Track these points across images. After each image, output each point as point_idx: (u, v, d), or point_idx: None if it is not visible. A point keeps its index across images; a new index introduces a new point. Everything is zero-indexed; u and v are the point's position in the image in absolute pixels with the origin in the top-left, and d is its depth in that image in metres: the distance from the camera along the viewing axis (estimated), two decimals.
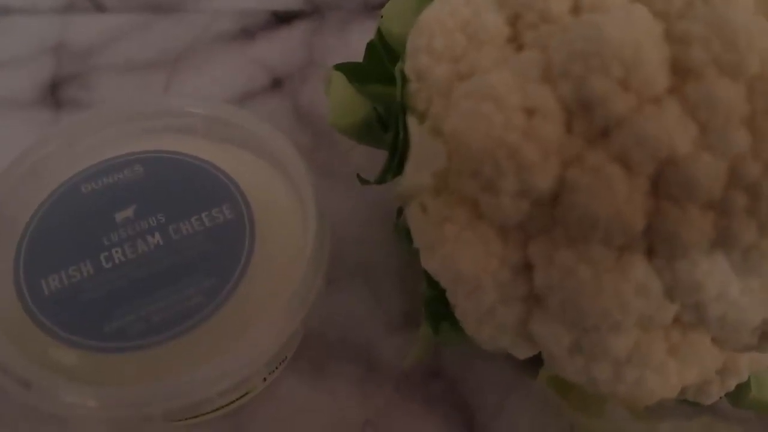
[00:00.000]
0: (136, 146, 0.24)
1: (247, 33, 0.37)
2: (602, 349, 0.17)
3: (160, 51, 0.36)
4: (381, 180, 0.21)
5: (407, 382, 0.26)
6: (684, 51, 0.14)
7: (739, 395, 0.23)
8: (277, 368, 0.24)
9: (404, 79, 0.20)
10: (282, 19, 0.38)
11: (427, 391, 0.25)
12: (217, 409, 0.23)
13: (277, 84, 0.35)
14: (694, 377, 0.18)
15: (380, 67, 0.22)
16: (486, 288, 0.18)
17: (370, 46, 0.23)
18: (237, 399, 0.23)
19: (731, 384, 0.20)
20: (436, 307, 0.23)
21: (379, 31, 0.22)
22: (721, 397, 0.23)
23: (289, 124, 0.33)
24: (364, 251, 0.29)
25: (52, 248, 0.21)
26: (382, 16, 0.22)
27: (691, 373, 0.17)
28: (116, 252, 0.21)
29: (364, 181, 0.23)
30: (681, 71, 0.15)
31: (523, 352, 0.21)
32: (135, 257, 0.21)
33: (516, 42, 0.18)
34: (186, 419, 0.22)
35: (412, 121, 0.18)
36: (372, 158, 0.27)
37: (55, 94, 0.33)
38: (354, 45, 0.35)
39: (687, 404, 0.22)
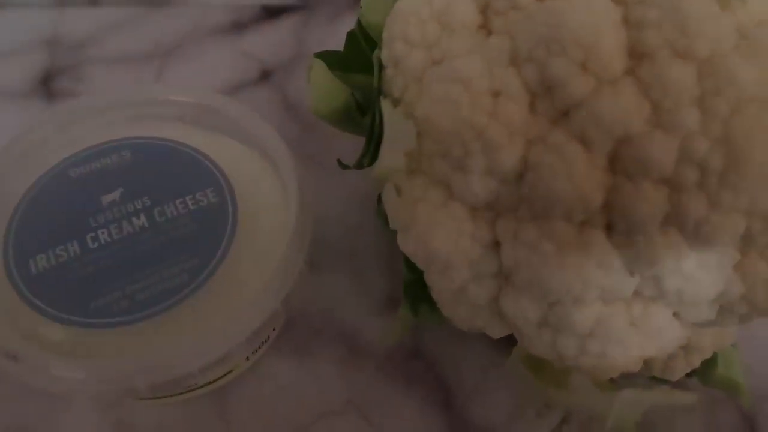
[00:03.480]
0: (125, 133, 0.24)
1: (238, 26, 0.38)
2: (567, 322, 0.18)
3: (152, 44, 0.36)
4: (359, 164, 0.22)
5: (389, 362, 0.26)
6: (639, 35, 0.15)
7: (706, 373, 0.23)
8: (260, 348, 0.25)
9: (381, 67, 0.21)
10: (272, 12, 0.39)
11: (408, 371, 0.26)
12: (202, 386, 0.23)
13: (266, 76, 0.35)
14: (656, 350, 0.18)
15: (360, 56, 0.23)
16: (457, 265, 0.19)
17: (350, 36, 0.23)
18: (221, 377, 0.24)
19: (695, 360, 0.21)
20: (414, 289, 0.24)
21: (359, 21, 0.23)
22: (690, 376, 0.24)
23: (278, 114, 0.34)
24: (349, 236, 0.29)
25: (40, 229, 0.22)
26: (361, 7, 0.22)
27: (652, 346, 0.18)
28: (102, 233, 0.22)
29: (344, 166, 0.23)
30: (637, 54, 0.15)
31: (497, 332, 0.22)
32: (120, 238, 0.22)
33: (486, 29, 0.19)
34: (172, 396, 0.23)
35: (385, 104, 0.19)
36: (356, 147, 0.28)
37: (47, 85, 0.34)
38: (342, 38, 0.36)
39: (656, 381, 0.23)
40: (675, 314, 0.19)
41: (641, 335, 0.18)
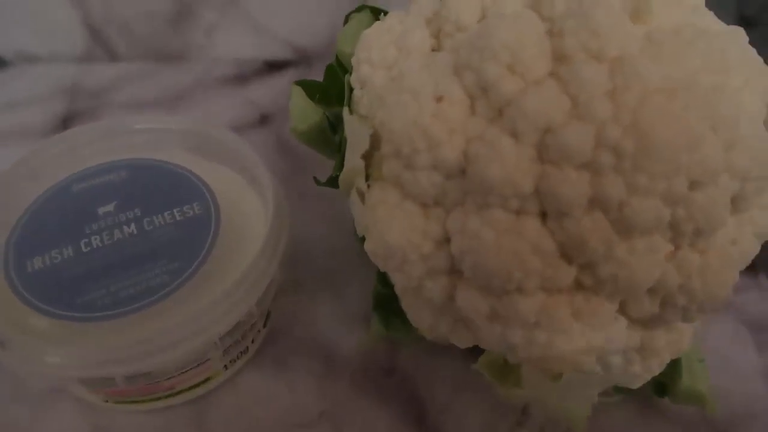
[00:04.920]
0: (125, 154, 0.27)
1: (242, 78, 0.41)
2: (513, 312, 0.19)
3: (163, 92, 0.40)
4: (331, 179, 0.24)
5: (363, 377, 0.27)
6: (560, 42, 0.17)
7: (672, 384, 0.24)
8: (238, 358, 0.26)
9: (351, 89, 0.23)
10: (274, 66, 0.42)
11: (382, 386, 0.27)
12: (180, 392, 0.24)
13: (264, 120, 0.38)
14: (602, 341, 0.19)
15: (337, 85, 0.25)
16: (412, 260, 0.20)
17: (329, 68, 0.26)
18: (199, 384, 0.25)
19: (653, 365, 0.22)
20: (386, 302, 0.25)
21: (336, 55, 0.26)
22: (660, 395, 0.24)
23: (272, 153, 0.36)
24: (331, 260, 0.31)
25: (40, 235, 0.24)
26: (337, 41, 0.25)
27: (597, 336, 0.19)
28: (95, 239, 0.24)
29: (319, 183, 0.25)
30: (559, 58, 0.17)
31: (462, 341, 0.23)
32: (111, 243, 0.24)
33: (438, 50, 0.21)
34: (150, 400, 0.24)
35: (346, 114, 0.21)
36: None
37: (66, 125, 0.37)
38: None
39: (622, 391, 0.24)
40: (621, 310, 0.20)
41: (585, 325, 0.19)
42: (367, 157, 0.21)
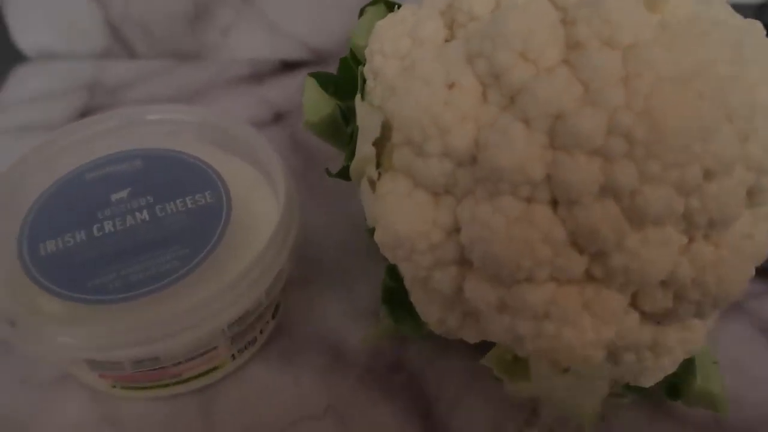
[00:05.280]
0: (140, 144, 0.27)
1: (258, 77, 0.42)
2: (522, 303, 0.19)
3: (179, 89, 0.40)
4: (342, 171, 0.24)
5: (371, 372, 0.27)
6: (573, 30, 0.17)
7: (685, 386, 0.23)
8: (246, 348, 0.26)
9: (364, 79, 0.23)
10: (289, 66, 0.43)
11: (389, 381, 0.27)
12: (187, 380, 0.24)
13: (278, 118, 0.39)
14: (613, 334, 0.19)
15: (351, 77, 0.26)
16: (421, 250, 0.20)
17: (343, 61, 0.26)
18: (206, 373, 0.25)
19: (666, 363, 0.21)
20: (395, 296, 0.25)
21: (350, 48, 0.26)
22: (673, 398, 0.24)
23: (286, 150, 0.37)
24: (342, 256, 0.31)
25: (53, 220, 0.24)
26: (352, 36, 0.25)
27: (608, 329, 0.19)
28: (107, 224, 0.24)
29: (330, 174, 0.25)
30: (572, 45, 0.17)
31: (471, 335, 0.23)
32: (123, 229, 0.24)
33: (452, 40, 0.21)
34: (158, 386, 0.24)
35: (357, 99, 0.21)
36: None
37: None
38: None
39: (634, 391, 0.23)
40: (633, 303, 0.19)
41: (595, 317, 0.19)
42: (379, 146, 0.21)
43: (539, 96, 0.17)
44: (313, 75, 0.25)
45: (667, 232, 0.17)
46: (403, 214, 0.20)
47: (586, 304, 0.19)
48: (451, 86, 0.19)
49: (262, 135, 0.27)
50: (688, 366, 0.23)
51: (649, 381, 0.22)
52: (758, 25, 0.20)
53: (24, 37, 0.41)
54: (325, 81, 0.26)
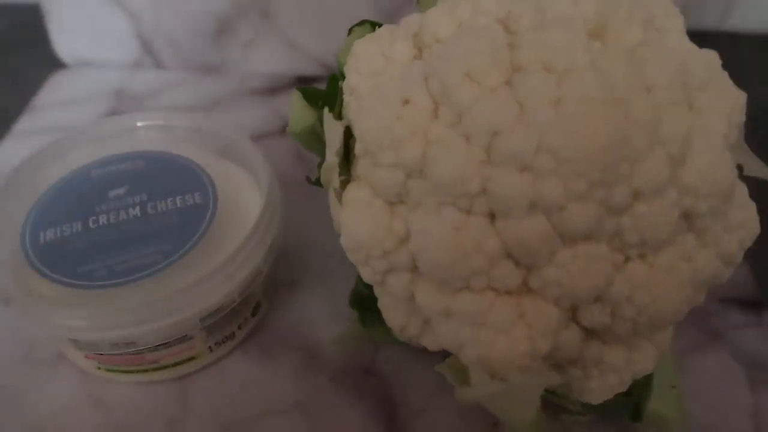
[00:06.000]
0: (143, 146, 0.29)
1: (273, 90, 0.44)
2: (461, 310, 0.20)
3: (199, 99, 0.43)
4: (319, 178, 0.26)
5: (342, 374, 0.28)
6: (518, 53, 0.18)
7: (642, 407, 0.23)
8: (224, 342, 0.27)
9: (342, 95, 0.25)
10: (304, 81, 0.45)
11: (360, 384, 0.28)
12: (166, 367, 0.26)
13: (285, 129, 0.41)
14: (548, 346, 0.19)
15: (337, 92, 0.27)
16: (375, 255, 0.21)
17: (332, 77, 0.28)
18: (184, 361, 0.26)
19: (611, 381, 0.22)
20: (365, 301, 0.26)
21: (338, 65, 0.28)
22: (636, 421, 0.24)
23: (289, 159, 0.39)
24: (331, 262, 0.32)
25: (55, 211, 0.26)
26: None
27: (544, 341, 0.19)
28: (102, 217, 0.26)
29: (311, 181, 0.27)
30: (515, 68, 0.18)
31: (432, 343, 0.24)
32: (116, 222, 0.26)
33: (419, 59, 0.22)
34: (138, 371, 0.26)
35: (325, 111, 0.23)
36: None
37: None
38: None
39: (594, 410, 0.23)
40: (573, 317, 0.20)
41: (531, 328, 0.19)
42: (346, 156, 0.22)
43: (478, 114, 0.18)
44: (302, 89, 0.27)
45: (598, 249, 0.18)
46: (360, 221, 0.21)
47: (522, 315, 0.19)
48: (405, 102, 0.20)
49: (251, 140, 0.29)
50: (645, 387, 0.24)
51: (596, 398, 0.22)
52: (712, 54, 0.20)
53: (63, 46, 0.45)
54: (314, 95, 0.28)
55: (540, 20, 0.19)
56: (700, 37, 0.22)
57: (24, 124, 0.41)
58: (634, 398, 0.24)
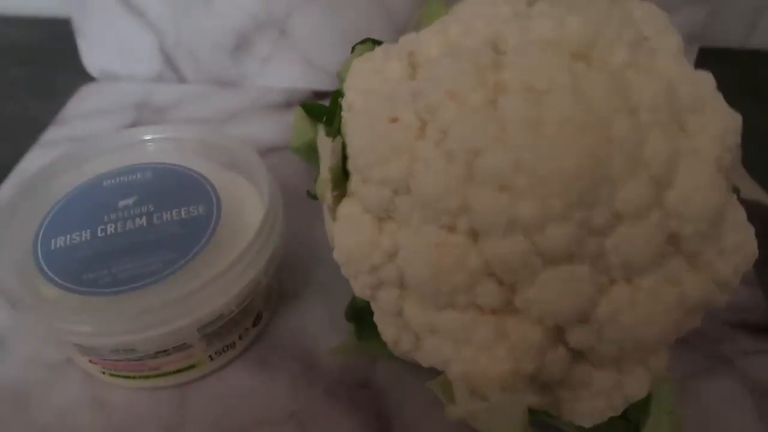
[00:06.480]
0: (153, 158, 0.30)
1: (289, 104, 0.45)
2: (447, 326, 0.20)
3: (217, 112, 0.44)
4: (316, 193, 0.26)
5: (339, 386, 0.28)
6: (502, 74, 0.18)
7: (638, 428, 0.23)
8: (224, 351, 0.28)
9: (341, 112, 0.25)
10: (319, 95, 0.45)
11: (355, 397, 0.28)
12: (166, 374, 0.27)
13: None
14: (532, 365, 0.19)
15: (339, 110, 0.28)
16: (363, 270, 0.21)
17: (334, 94, 0.28)
18: (184, 369, 0.27)
19: (601, 405, 0.21)
20: (361, 314, 0.26)
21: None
22: None
23: (300, 173, 0.39)
24: (332, 275, 0.32)
25: (67, 219, 0.28)
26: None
27: (528, 361, 0.19)
28: (110, 226, 0.27)
29: (310, 195, 0.27)
30: (498, 89, 0.18)
31: (424, 358, 0.24)
32: (123, 231, 0.27)
33: (412, 78, 0.23)
34: (139, 377, 0.27)
35: (320, 128, 0.23)
36: None
37: None
38: None
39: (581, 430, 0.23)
40: (559, 338, 0.20)
41: (514, 348, 0.19)
42: (344, 172, 0.22)
43: (460, 133, 0.18)
44: (305, 105, 0.27)
45: (580, 270, 0.18)
46: (349, 236, 0.22)
47: (505, 334, 0.19)
48: (393, 120, 0.20)
49: (256, 153, 0.30)
50: (642, 411, 0.23)
51: (586, 420, 0.22)
52: (706, 75, 0.20)
53: (91, 60, 0.47)
54: (317, 111, 0.28)
55: (524, 42, 0.19)
56: (723, 55, 0.21)
57: (51, 134, 0.43)
58: (631, 423, 0.24)
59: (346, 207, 0.22)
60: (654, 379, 0.22)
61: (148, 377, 0.27)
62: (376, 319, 0.24)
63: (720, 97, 0.20)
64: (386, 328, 0.24)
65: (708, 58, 0.39)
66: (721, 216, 0.19)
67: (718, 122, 0.19)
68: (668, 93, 0.18)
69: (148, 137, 0.31)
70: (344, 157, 0.23)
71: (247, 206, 0.29)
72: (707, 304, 0.20)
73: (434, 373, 0.24)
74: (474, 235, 0.19)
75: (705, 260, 0.20)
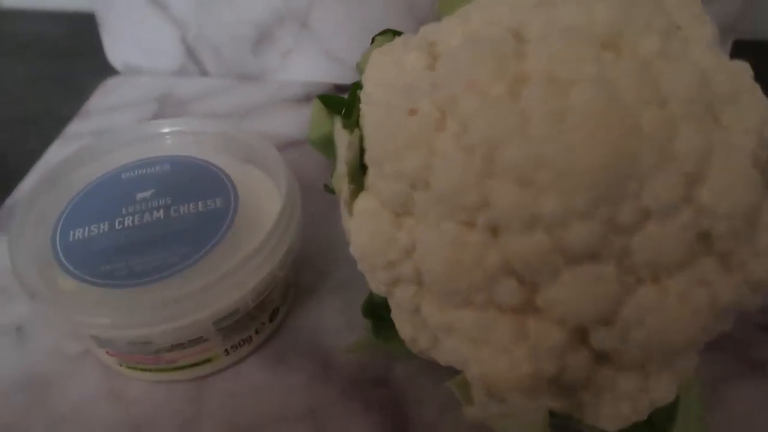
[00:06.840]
0: (171, 150, 0.30)
1: (309, 98, 0.45)
2: (464, 326, 0.19)
3: (237, 106, 0.44)
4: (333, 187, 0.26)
5: (356, 384, 0.28)
6: (524, 64, 0.18)
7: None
8: (240, 346, 0.28)
9: (359, 104, 0.25)
10: (340, 89, 0.45)
11: (372, 396, 0.27)
12: (182, 368, 0.27)
13: None
14: (553, 367, 0.18)
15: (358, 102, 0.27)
16: (378, 266, 0.21)
17: (353, 86, 0.28)
18: (199, 363, 0.27)
19: (625, 409, 0.20)
20: (378, 311, 0.26)
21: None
22: None
23: (319, 168, 0.38)
24: (351, 270, 0.32)
25: (86, 211, 0.28)
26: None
27: (549, 363, 0.18)
28: (128, 219, 0.27)
29: (327, 189, 0.27)
30: (520, 79, 0.18)
31: (442, 357, 0.23)
32: (140, 224, 0.27)
33: (431, 68, 0.22)
34: (154, 370, 0.27)
35: (337, 124, 0.23)
36: None
37: None
38: None
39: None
40: (582, 340, 0.19)
41: (534, 349, 0.18)
42: (362, 166, 0.22)
43: (480, 125, 0.17)
44: (322, 97, 0.27)
45: (604, 269, 0.17)
46: (365, 231, 0.21)
47: (526, 334, 0.19)
48: (412, 112, 0.20)
49: (274, 146, 0.29)
50: (669, 416, 0.22)
51: (610, 425, 0.21)
52: (743, 65, 0.19)
53: (115, 54, 0.47)
54: (335, 104, 0.28)
55: (549, 30, 0.18)
56: (759, 48, 0.20)
57: (75, 127, 0.44)
58: (656, 428, 0.23)
59: (363, 201, 0.22)
60: (681, 384, 0.21)
61: (164, 370, 0.27)
62: (393, 316, 0.24)
63: (757, 87, 0.19)
64: (403, 325, 0.23)
65: (743, 51, 0.38)
66: (756, 214, 0.18)
67: (755, 114, 0.18)
68: (701, 83, 0.17)
69: (166, 130, 0.31)
70: (362, 151, 0.23)
71: (265, 200, 0.29)
72: (740, 307, 0.19)
73: (453, 372, 0.23)
74: (494, 231, 0.18)
75: (738, 260, 0.19)
